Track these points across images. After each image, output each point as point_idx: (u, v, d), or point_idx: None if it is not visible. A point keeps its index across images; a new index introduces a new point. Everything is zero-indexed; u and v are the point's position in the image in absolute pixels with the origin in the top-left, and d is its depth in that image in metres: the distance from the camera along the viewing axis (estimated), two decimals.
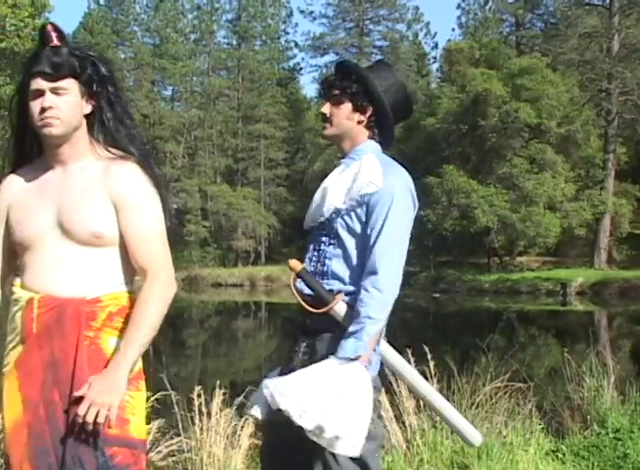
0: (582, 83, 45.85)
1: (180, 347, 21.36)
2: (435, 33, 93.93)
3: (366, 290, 2.97)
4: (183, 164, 66.15)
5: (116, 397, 2.61)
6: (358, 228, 3.06)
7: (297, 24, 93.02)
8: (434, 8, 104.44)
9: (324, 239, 3.12)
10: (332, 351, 2.99)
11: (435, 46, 74.44)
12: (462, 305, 35.66)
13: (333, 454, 2.95)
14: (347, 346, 2.92)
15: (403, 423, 6.04)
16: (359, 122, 3.19)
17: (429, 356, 6.45)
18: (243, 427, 5.32)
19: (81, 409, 2.57)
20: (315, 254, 3.15)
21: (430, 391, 3.37)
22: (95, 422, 2.57)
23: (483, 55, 49.90)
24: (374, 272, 2.98)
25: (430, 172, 44.53)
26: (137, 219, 2.75)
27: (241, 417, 5.26)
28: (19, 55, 32.60)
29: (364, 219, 3.04)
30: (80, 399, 2.59)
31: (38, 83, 2.66)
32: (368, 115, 3.18)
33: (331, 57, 67.45)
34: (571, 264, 44.53)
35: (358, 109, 3.16)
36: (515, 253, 46.94)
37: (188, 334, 25.68)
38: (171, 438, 5.36)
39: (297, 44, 72.02)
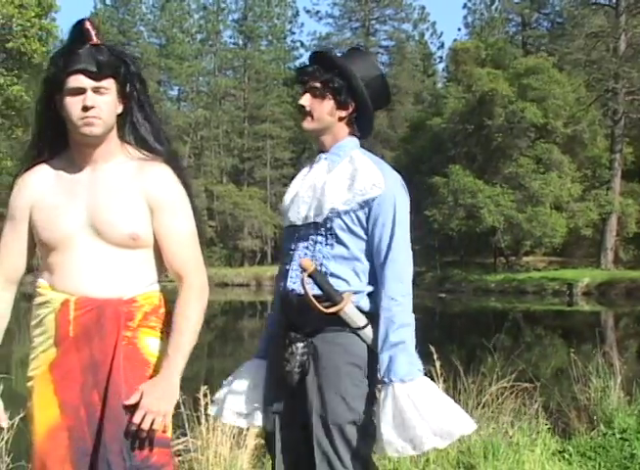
0: (589, 83, 45.75)
1: None
2: (442, 33, 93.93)
3: (393, 299, 2.96)
4: (189, 164, 66.20)
5: (171, 404, 2.66)
6: (359, 230, 3.02)
7: (302, 24, 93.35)
8: (440, 8, 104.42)
9: (319, 239, 3.05)
10: (334, 351, 2.98)
11: (442, 46, 74.43)
12: (468, 305, 35.60)
13: (335, 450, 2.95)
14: (403, 363, 2.92)
15: None
16: (340, 119, 3.12)
17: (435, 356, 6.44)
18: (249, 427, 5.31)
19: (137, 418, 2.58)
20: (309, 253, 3.06)
21: None
22: (150, 429, 2.60)
23: (490, 55, 49.85)
24: (398, 280, 2.98)
25: (436, 172, 44.56)
26: (173, 222, 2.74)
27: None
28: (25, 55, 32.67)
29: (366, 221, 3.01)
30: (127, 404, 2.61)
31: (80, 81, 2.60)
32: (350, 111, 3.11)
33: None
34: (578, 264, 44.46)
35: (340, 105, 3.09)
36: (521, 253, 46.90)
37: None
38: (177, 437, 5.35)
39: (302, 44, 72.18)
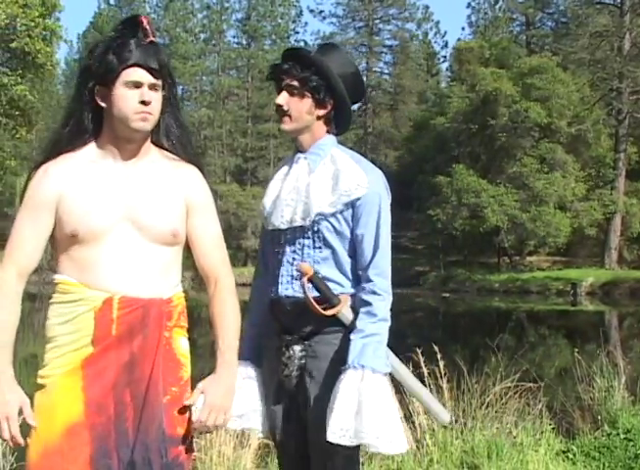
0: (593, 82, 45.72)
1: (190, 346, 21.33)
2: (445, 32, 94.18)
3: (375, 293, 2.96)
4: None
5: (232, 400, 2.76)
6: (346, 230, 3.00)
7: (306, 24, 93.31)
8: (443, 7, 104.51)
9: (307, 242, 3.02)
10: (331, 352, 2.98)
11: (445, 45, 74.49)
12: (472, 305, 35.59)
13: (333, 453, 2.94)
14: (373, 353, 2.90)
15: (413, 423, 6.03)
16: (319, 118, 3.06)
17: (438, 356, 6.45)
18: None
19: (203, 415, 2.66)
20: (297, 257, 3.03)
21: (402, 369, 3.35)
22: (189, 424, 2.69)
23: (493, 54, 49.85)
24: (383, 276, 2.99)
25: (439, 172, 44.58)
26: (207, 223, 2.82)
27: None
28: (29, 55, 32.70)
29: (352, 221, 2.99)
30: (179, 404, 2.68)
31: (140, 75, 2.61)
32: (329, 109, 3.06)
33: None
34: (582, 264, 44.42)
35: (319, 104, 3.03)
36: (525, 252, 46.86)
37: (198, 333, 25.56)
38: None
39: (306, 43, 71.91)
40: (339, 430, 2.81)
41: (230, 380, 2.74)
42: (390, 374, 3.04)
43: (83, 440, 2.55)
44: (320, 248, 3.01)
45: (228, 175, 64.58)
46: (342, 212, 2.98)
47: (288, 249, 3.07)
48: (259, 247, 3.36)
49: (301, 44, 70.13)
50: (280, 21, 69.19)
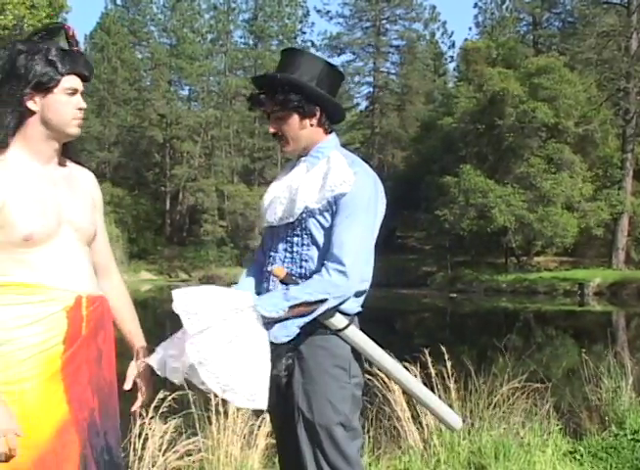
0: (600, 82, 45.64)
1: None
2: (452, 33, 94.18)
3: (319, 272, 2.94)
4: (200, 164, 66.36)
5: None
6: (330, 228, 3.01)
7: (313, 24, 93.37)
8: (450, 7, 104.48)
9: (296, 240, 3.06)
10: (319, 354, 2.99)
11: (452, 45, 74.65)
12: (479, 306, 35.54)
13: (323, 452, 2.95)
14: (272, 299, 2.91)
15: (420, 423, 6.03)
16: (312, 126, 3.11)
17: (446, 357, 6.45)
18: (260, 426, 5.32)
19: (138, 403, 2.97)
20: (288, 255, 3.07)
21: (407, 376, 3.34)
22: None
23: (501, 54, 49.81)
24: (338, 260, 2.93)
25: (447, 172, 44.55)
26: (102, 222, 2.99)
27: (257, 417, 5.27)
28: None
29: (335, 217, 3.00)
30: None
31: (77, 83, 2.73)
32: (317, 115, 3.10)
33: (347, 56, 67.72)
34: (589, 265, 44.33)
35: (306, 116, 3.08)
36: (532, 253, 46.79)
37: None
38: (188, 437, 5.36)
39: (313, 44, 72.04)
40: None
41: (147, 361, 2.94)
42: (400, 385, 3.02)
43: (72, 437, 2.61)
44: (308, 245, 3.04)
45: (235, 175, 64.67)
46: (327, 209, 3.00)
47: (280, 246, 3.13)
48: (260, 242, 3.42)
49: (308, 44, 70.21)
50: (287, 21, 69.24)
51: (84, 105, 2.75)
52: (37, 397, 2.58)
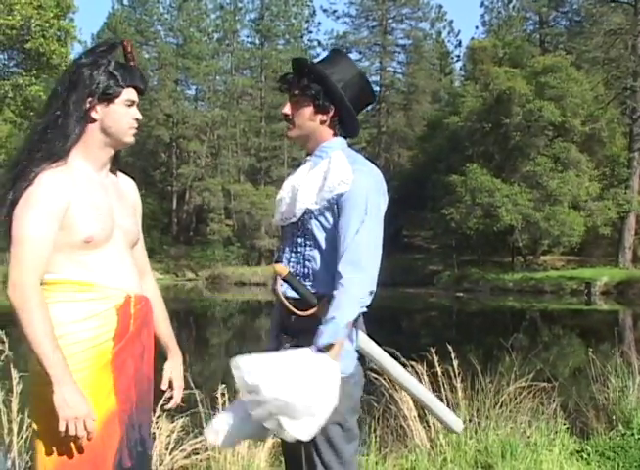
0: (607, 81, 45.52)
1: (204, 345, 21.41)
2: (459, 32, 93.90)
3: (341, 285, 2.93)
4: (206, 164, 66.37)
5: None
6: (332, 228, 3.04)
7: (319, 23, 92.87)
8: (457, 6, 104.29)
9: (299, 240, 3.10)
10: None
11: (459, 44, 74.23)
12: (485, 305, 35.50)
13: (317, 450, 2.98)
14: (326, 332, 2.89)
15: (427, 422, 6.04)
16: (322, 122, 3.16)
17: (452, 356, 6.44)
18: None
19: (178, 397, 3.20)
20: (293, 255, 3.12)
21: (409, 379, 3.35)
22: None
23: (507, 53, 49.74)
24: (353, 267, 2.94)
25: (453, 171, 44.49)
26: (140, 228, 3.16)
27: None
28: (44, 55, 32.80)
29: (337, 219, 3.02)
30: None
31: (135, 95, 2.93)
32: (330, 114, 3.14)
33: (354, 56, 67.40)
34: (596, 264, 44.23)
35: (320, 109, 3.13)
36: (539, 252, 46.73)
37: (211, 333, 25.75)
38: (195, 436, 5.37)
39: (320, 43, 72.08)
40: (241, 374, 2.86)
41: (181, 363, 3.20)
42: (403, 387, 3.03)
43: (115, 427, 2.78)
44: (310, 246, 3.08)
45: (242, 175, 64.66)
46: (327, 210, 3.04)
47: (287, 246, 3.18)
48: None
49: (315, 43, 70.24)
50: (293, 20, 69.19)
51: (140, 116, 2.94)
52: (89, 386, 2.73)
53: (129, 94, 2.89)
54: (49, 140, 2.81)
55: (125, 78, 2.87)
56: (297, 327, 3.07)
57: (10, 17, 31.51)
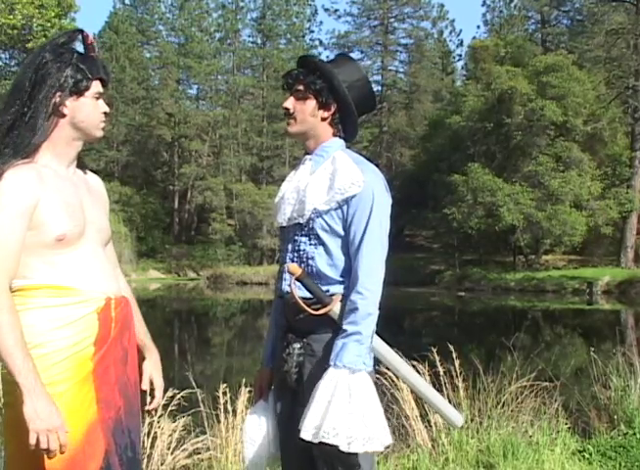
0: (609, 80, 45.54)
1: (205, 345, 21.44)
2: (460, 31, 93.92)
3: (358, 292, 2.96)
4: (208, 163, 66.40)
5: None
6: (340, 229, 3.04)
7: (321, 23, 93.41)
8: (458, 5, 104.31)
9: (304, 239, 3.10)
10: (328, 351, 2.99)
11: (460, 44, 74.34)
12: (487, 304, 35.52)
13: (340, 459, 2.94)
14: (351, 352, 2.91)
15: (429, 422, 6.04)
16: (323, 119, 3.16)
17: (454, 355, 6.44)
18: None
19: (159, 398, 3.06)
20: (296, 254, 3.11)
21: (411, 372, 3.36)
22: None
23: (509, 52, 49.69)
24: (363, 273, 2.98)
25: (455, 170, 44.50)
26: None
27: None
28: None
29: (345, 220, 3.03)
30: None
31: (101, 88, 2.80)
32: (332, 111, 3.15)
33: (356, 55, 67.40)
34: (598, 263, 44.25)
35: (322, 105, 3.14)
36: (540, 251, 46.72)
37: (213, 332, 25.76)
38: (197, 436, 5.37)
39: (321, 42, 72.23)
40: (312, 428, 2.86)
41: (159, 360, 3.06)
42: (401, 380, 3.05)
43: (97, 435, 2.62)
44: (315, 245, 3.08)
45: (244, 174, 64.72)
46: (336, 210, 3.04)
47: (289, 246, 3.17)
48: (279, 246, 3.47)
49: (317, 43, 70.26)
50: (295, 19, 69.25)
51: (107, 109, 2.82)
52: (70, 399, 2.58)
53: (97, 87, 2.77)
54: (16, 136, 2.66)
55: (92, 71, 2.75)
56: (304, 327, 3.07)
57: (11, 16, 31.55)
